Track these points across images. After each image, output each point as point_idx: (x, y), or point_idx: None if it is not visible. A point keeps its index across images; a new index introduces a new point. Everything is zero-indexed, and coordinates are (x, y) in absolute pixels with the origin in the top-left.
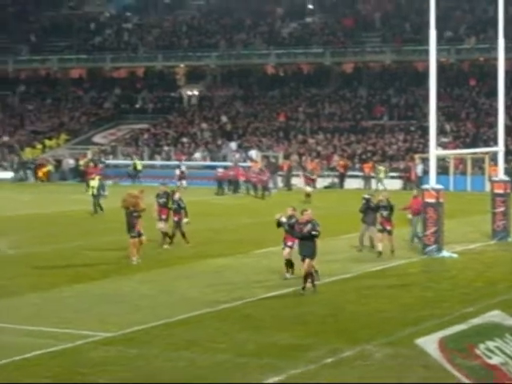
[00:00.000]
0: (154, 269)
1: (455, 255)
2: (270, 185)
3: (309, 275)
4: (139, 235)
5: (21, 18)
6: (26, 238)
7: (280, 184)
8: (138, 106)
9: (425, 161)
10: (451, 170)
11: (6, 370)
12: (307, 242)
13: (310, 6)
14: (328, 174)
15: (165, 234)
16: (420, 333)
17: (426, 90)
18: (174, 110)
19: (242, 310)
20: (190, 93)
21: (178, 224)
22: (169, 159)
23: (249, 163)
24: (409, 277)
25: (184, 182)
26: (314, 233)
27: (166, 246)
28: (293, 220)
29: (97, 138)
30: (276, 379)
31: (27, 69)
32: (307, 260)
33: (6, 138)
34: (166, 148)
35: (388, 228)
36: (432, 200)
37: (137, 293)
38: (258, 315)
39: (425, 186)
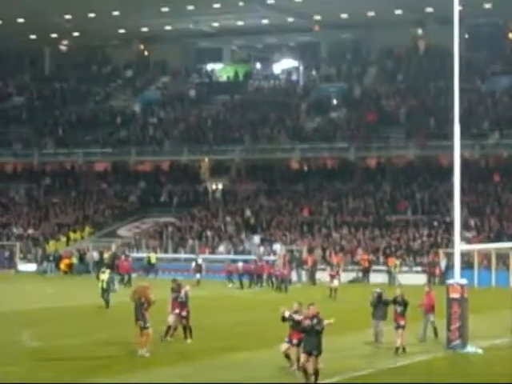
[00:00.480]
0: (178, 362)
1: (480, 351)
2: (294, 278)
3: (316, 372)
4: (147, 327)
5: (47, 112)
6: (50, 331)
7: (304, 278)
8: (162, 199)
9: (449, 256)
10: (475, 264)
11: None
12: (312, 337)
13: (335, 101)
14: (352, 269)
15: (170, 328)
16: None
17: (450, 185)
18: (198, 203)
19: None
20: (214, 186)
21: (184, 318)
22: (193, 252)
23: (273, 257)
24: (433, 372)
25: (198, 275)
26: (317, 328)
27: (168, 339)
28: (297, 315)
29: (121, 231)
30: None
31: (52, 162)
32: (313, 357)
33: (30, 231)
34: (190, 241)
35: (402, 323)
36: (456, 295)
37: None
38: None
39: (449, 281)
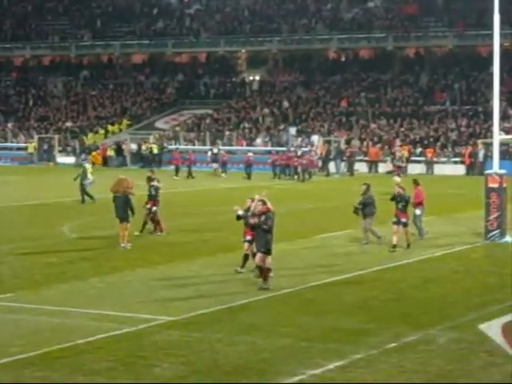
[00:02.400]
0: (216, 253)
1: None
2: (333, 170)
3: (264, 270)
4: (128, 221)
5: (83, 4)
6: (89, 222)
7: (343, 169)
8: (199, 91)
9: (487, 146)
10: None
11: (70, 353)
12: (259, 235)
13: None
14: (392, 159)
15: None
16: (483, 318)
17: (489, 74)
18: (235, 95)
19: (305, 295)
20: (251, 78)
21: (149, 211)
22: (230, 144)
23: (310, 148)
24: (471, 262)
25: (214, 165)
26: (263, 227)
27: (136, 233)
28: (250, 213)
29: (159, 124)
30: (338, 364)
31: (90, 54)
32: (259, 254)
33: (69, 124)
34: (227, 133)
35: (403, 220)
36: (495, 185)
37: (199, 277)
38: (321, 300)
39: (488, 171)
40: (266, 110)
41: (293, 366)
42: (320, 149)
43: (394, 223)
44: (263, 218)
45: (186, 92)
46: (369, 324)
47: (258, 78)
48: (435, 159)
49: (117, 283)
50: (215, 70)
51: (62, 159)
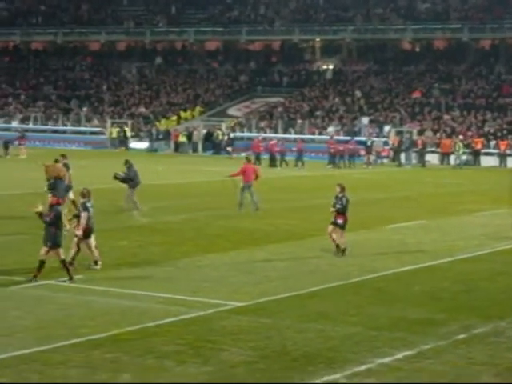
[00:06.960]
0: (287, 241)
1: None
2: (403, 160)
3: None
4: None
5: None
6: (160, 207)
7: (414, 160)
8: (272, 79)
9: None
10: None
11: (139, 335)
12: (46, 227)
13: None
14: (463, 152)
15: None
16: None
17: None
18: (308, 83)
19: (374, 284)
20: (325, 67)
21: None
22: (302, 133)
23: (382, 139)
24: None
25: (229, 149)
26: (46, 219)
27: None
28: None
29: (231, 111)
30: (407, 354)
31: (164, 40)
32: (44, 248)
33: (142, 109)
34: (299, 121)
35: (340, 222)
36: None
37: (269, 264)
38: (390, 289)
39: None
40: (339, 99)
41: (361, 355)
42: (392, 139)
43: (332, 224)
44: (50, 210)
45: (258, 80)
46: (438, 315)
47: (331, 67)
48: (508, 152)
49: (187, 268)
50: (289, 58)
51: (134, 144)
